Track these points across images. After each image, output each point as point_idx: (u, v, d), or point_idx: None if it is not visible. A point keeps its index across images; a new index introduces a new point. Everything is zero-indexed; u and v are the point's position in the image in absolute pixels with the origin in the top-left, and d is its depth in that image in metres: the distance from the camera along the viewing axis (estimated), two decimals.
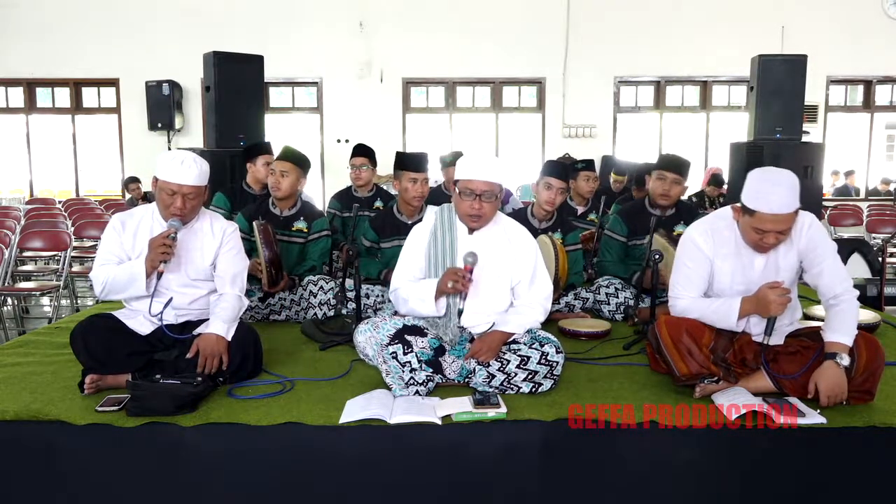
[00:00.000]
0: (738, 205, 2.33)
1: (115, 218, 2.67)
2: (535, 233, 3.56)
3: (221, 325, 2.54)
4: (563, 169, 3.76)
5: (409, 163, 3.64)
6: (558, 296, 3.57)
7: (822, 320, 2.45)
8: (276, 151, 3.84)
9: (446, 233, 2.63)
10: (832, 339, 2.29)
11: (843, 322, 2.30)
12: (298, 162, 3.67)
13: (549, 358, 2.48)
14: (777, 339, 2.46)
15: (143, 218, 2.66)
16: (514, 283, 2.66)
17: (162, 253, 2.45)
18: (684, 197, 3.86)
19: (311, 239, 3.75)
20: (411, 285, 2.63)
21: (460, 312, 2.50)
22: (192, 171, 2.54)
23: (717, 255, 2.43)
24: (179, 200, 2.54)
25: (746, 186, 2.28)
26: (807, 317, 3.28)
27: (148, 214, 2.67)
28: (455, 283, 2.44)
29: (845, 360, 2.24)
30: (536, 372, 2.46)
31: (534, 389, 2.46)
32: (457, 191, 2.58)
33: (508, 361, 2.48)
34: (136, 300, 2.60)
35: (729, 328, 2.43)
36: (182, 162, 2.53)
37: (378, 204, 4.54)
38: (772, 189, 2.21)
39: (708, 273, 2.45)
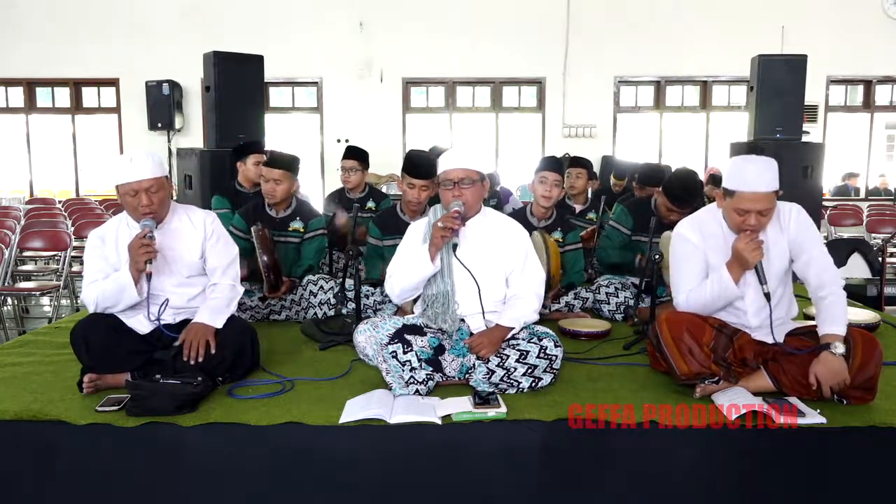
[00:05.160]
0: (720, 191, 2.41)
1: (93, 235, 2.64)
2: (534, 231, 3.56)
3: (208, 314, 2.55)
4: (556, 161, 3.75)
5: (410, 167, 3.51)
6: (554, 295, 3.56)
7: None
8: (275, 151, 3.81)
9: None
10: (826, 332, 2.33)
11: (833, 314, 2.34)
12: (289, 167, 3.60)
13: (548, 352, 2.49)
14: (777, 335, 2.47)
15: (119, 228, 2.62)
16: (507, 273, 2.70)
17: (144, 253, 2.42)
18: None
19: (306, 238, 3.72)
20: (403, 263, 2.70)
21: (455, 246, 2.55)
22: (146, 164, 2.50)
23: (707, 245, 2.48)
24: (144, 197, 2.49)
25: (727, 171, 2.39)
26: (806, 317, 3.28)
27: (122, 224, 2.62)
28: (445, 223, 2.51)
29: (840, 349, 2.27)
30: (536, 366, 2.48)
31: (534, 384, 2.47)
32: (440, 185, 2.67)
33: (508, 356, 2.50)
34: (132, 309, 2.57)
35: (734, 297, 2.43)
36: (132, 160, 2.50)
37: (370, 204, 4.53)
38: (750, 169, 2.31)
39: (704, 263, 2.48)
